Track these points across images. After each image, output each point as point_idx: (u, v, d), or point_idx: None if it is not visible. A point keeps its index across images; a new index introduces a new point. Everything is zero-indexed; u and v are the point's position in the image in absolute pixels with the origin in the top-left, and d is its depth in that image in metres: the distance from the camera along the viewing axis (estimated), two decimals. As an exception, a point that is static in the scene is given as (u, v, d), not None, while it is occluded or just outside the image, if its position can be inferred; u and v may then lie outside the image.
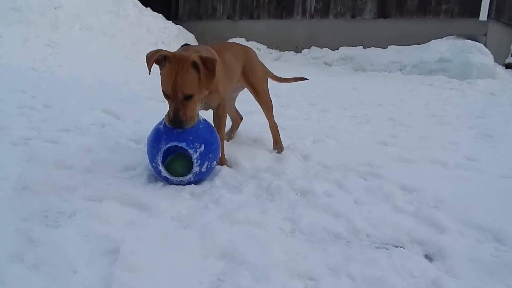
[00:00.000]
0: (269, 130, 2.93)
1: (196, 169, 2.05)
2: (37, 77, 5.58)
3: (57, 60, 7.33)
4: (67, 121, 3.27)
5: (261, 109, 2.90)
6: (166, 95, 2.01)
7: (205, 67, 1.95)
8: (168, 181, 2.11)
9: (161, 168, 2.08)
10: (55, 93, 4.50)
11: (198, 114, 2.05)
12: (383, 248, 1.61)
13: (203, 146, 2.02)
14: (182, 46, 2.26)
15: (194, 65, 1.94)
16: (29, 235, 1.48)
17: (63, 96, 4.36)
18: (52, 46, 7.84)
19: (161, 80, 2.02)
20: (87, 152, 2.50)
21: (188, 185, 2.09)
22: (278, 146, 2.88)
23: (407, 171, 2.48)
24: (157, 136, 2.05)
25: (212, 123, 2.34)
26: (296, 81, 3.18)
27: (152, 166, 2.13)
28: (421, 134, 3.48)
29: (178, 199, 1.91)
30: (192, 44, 2.36)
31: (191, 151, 2.01)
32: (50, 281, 1.24)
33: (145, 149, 2.53)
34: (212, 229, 1.59)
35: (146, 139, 2.16)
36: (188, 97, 1.96)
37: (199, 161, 2.03)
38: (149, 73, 2.13)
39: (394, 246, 1.62)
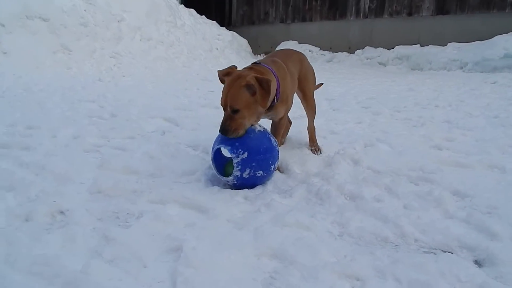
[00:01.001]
0: (307, 130, 3.12)
1: (236, 173, 2.19)
2: (103, 87, 6.04)
3: (121, 70, 7.86)
4: (132, 129, 3.55)
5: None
6: (222, 108, 2.22)
7: (261, 87, 2.10)
8: (223, 182, 2.32)
9: (212, 164, 2.32)
10: (120, 102, 4.88)
11: (244, 127, 2.20)
12: (431, 252, 1.63)
13: (246, 153, 2.17)
14: (252, 63, 2.41)
15: (248, 85, 2.10)
16: (105, 234, 1.69)
17: (127, 105, 4.71)
18: (116, 57, 8.42)
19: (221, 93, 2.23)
20: (150, 158, 2.74)
21: (241, 190, 2.23)
22: (314, 145, 3.06)
23: (461, 176, 2.43)
24: (216, 138, 2.30)
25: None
26: (317, 87, 3.27)
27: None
28: (480, 137, 3.35)
29: (233, 203, 2.05)
30: (263, 60, 2.52)
31: (233, 155, 2.18)
32: (125, 274, 1.43)
33: (202, 155, 2.77)
34: (264, 231, 1.71)
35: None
36: (235, 111, 2.14)
37: (239, 166, 2.18)
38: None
39: (442, 251, 1.64)
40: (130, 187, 2.24)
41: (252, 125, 2.27)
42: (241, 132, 2.19)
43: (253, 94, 2.12)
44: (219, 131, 2.18)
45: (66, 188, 2.19)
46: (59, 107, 4.44)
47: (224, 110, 2.20)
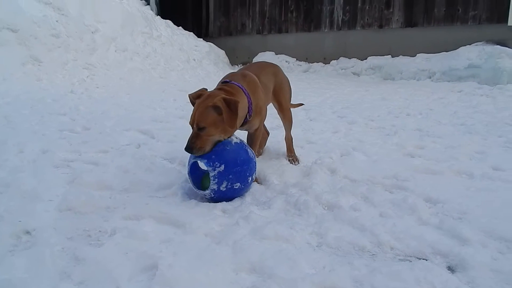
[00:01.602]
0: (284, 140, 3.14)
1: (213, 186, 2.17)
2: (75, 99, 5.89)
3: (94, 82, 7.71)
4: (106, 143, 3.46)
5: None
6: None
7: (229, 108, 2.11)
8: (200, 195, 2.29)
9: (189, 178, 2.29)
10: (93, 115, 4.76)
11: (211, 144, 2.19)
12: (407, 260, 1.65)
13: (223, 166, 2.15)
14: (222, 82, 2.42)
15: (215, 106, 2.12)
16: (75, 254, 1.62)
17: (101, 117, 4.60)
18: (89, 68, 8.27)
19: None
20: (125, 172, 2.66)
21: (220, 203, 2.20)
22: (292, 155, 3.08)
23: (432, 183, 2.49)
24: None
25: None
26: (297, 106, 3.30)
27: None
28: (448, 144, 3.44)
29: (211, 216, 2.02)
30: (234, 75, 2.51)
31: (209, 168, 2.16)
32: (97, 296, 1.37)
33: (179, 168, 2.72)
34: (243, 245, 1.69)
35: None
36: (202, 129, 2.14)
37: (216, 179, 2.15)
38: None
39: (417, 258, 1.66)
40: (103, 203, 2.17)
41: (228, 137, 2.26)
42: (207, 149, 2.18)
43: (220, 113, 2.12)
44: (184, 149, 2.17)
45: (33, 206, 2.09)
46: (27, 120, 4.30)
47: (192, 128, 2.21)
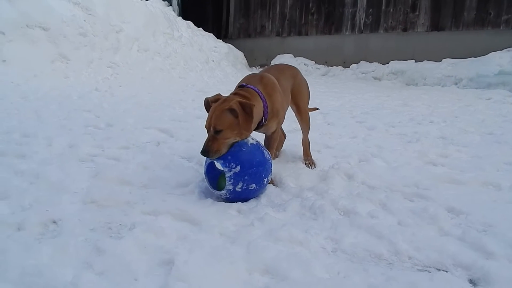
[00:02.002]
0: (301, 143, 3.14)
1: (229, 187, 2.19)
2: (99, 97, 6.04)
3: (117, 80, 7.89)
4: (127, 139, 3.54)
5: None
6: (207, 130, 2.24)
7: (244, 112, 2.13)
8: (216, 195, 2.31)
9: (206, 179, 2.31)
10: (115, 112, 4.88)
11: (227, 146, 2.21)
12: (426, 270, 1.61)
13: (239, 167, 2.17)
14: (239, 86, 2.44)
15: (231, 109, 2.14)
16: (96, 245, 1.68)
17: (123, 115, 4.71)
18: (113, 67, 8.46)
19: None
20: (144, 169, 2.73)
21: (235, 203, 2.22)
22: (308, 159, 3.07)
23: (456, 193, 2.43)
24: None
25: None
26: (312, 110, 3.30)
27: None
28: (475, 154, 3.35)
29: (226, 216, 2.04)
30: (251, 77, 2.53)
31: (225, 169, 2.18)
32: (115, 287, 1.41)
33: (196, 167, 2.76)
34: (257, 245, 1.69)
35: None
36: (218, 132, 2.15)
37: (232, 180, 2.17)
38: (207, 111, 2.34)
39: (437, 269, 1.62)
40: (123, 198, 2.22)
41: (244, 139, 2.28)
42: (223, 151, 2.19)
43: (236, 116, 2.14)
44: (201, 153, 2.18)
45: (59, 198, 2.17)
46: (55, 115, 4.43)
47: (208, 132, 2.22)
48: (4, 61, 7.04)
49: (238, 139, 2.22)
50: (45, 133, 3.55)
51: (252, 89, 2.37)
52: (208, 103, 2.31)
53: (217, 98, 2.30)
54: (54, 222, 1.90)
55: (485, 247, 1.72)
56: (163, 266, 1.56)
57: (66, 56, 7.92)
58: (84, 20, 8.71)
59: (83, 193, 2.25)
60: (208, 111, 2.28)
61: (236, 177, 2.17)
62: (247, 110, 2.14)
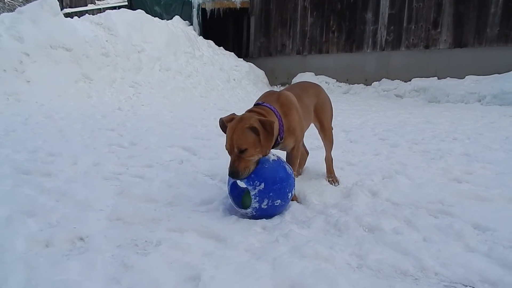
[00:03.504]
0: (324, 161, 3.14)
1: (255, 204, 2.20)
2: (122, 116, 6.20)
3: (140, 100, 8.07)
4: (151, 158, 3.61)
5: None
6: (228, 152, 2.23)
7: (265, 129, 2.15)
8: (240, 212, 2.32)
9: (230, 198, 2.33)
10: (138, 131, 4.99)
11: (254, 165, 2.21)
12: (452, 287, 1.60)
13: (263, 184, 2.18)
14: (255, 104, 2.47)
15: (252, 128, 2.15)
16: (123, 261, 1.71)
17: (146, 134, 4.81)
18: (135, 86, 8.66)
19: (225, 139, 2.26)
20: (168, 187, 2.77)
21: (259, 220, 2.23)
22: (332, 176, 3.07)
23: (481, 209, 2.40)
24: None
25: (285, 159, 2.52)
26: None
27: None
28: (500, 171, 3.30)
29: (251, 232, 2.05)
30: (268, 95, 2.57)
31: (250, 187, 2.19)
32: (143, 302, 1.44)
33: (220, 184, 2.80)
34: (283, 261, 1.70)
35: None
36: (243, 151, 2.15)
37: (257, 198, 2.19)
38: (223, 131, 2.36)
39: (463, 285, 1.61)
40: (148, 215, 2.26)
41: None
42: (252, 169, 2.20)
43: (258, 134, 2.16)
44: (229, 175, 2.18)
45: (86, 215, 2.22)
46: (79, 135, 4.56)
47: (230, 153, 2.21)
48: (28, 81, 7.30)
49: (261, 156, 2.24)
50: (69, 152, 3.66)
51: (268, 107, 2.39)
52: (223, 123, 2.32)
53: (231, 118, 2.30)
54: (81, 239, 1.94)
55: None
56: (189, 281, 1.58)
57: (89, 76, 8.16)
58: (107, 41, 8.99)
59: (109, 210, 2.31)
60: (223, 131, 2.31)
61: (261, 195, 2.19)
62: (267, 127, 2.16)
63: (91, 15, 9.84)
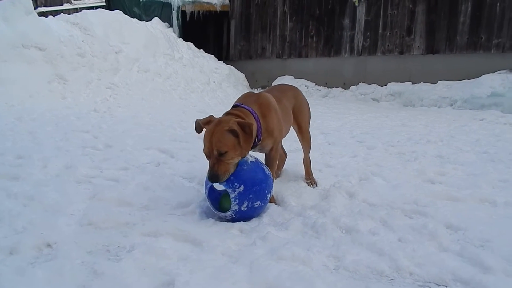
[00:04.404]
0: (302, 163, 3.15)
1: (235, 207, 2.18)
2: (98, 118, 6.05)
3: (117, 101, 7.90)
4: (126, 160, 3.53)
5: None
6: (206, 155, 2.20)
7: (243, 131, 2.14)
8: (218, 215, 2.28)
9: (208, 202, 2.29)
10: (114, 133, 4.87)
11: (234, 166, 2.19)
12: (426, 286, 1.62)
13: (242, 186, 2.16)
14: (233, 106, 2.45)
15: (231, 130, 2.13)
16: (94, 268, 1.65)
17: (122, 136, 4.71)
18: (112, 88, 8.48)
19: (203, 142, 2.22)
20: (144, 190, 2.71)
21: (237, 222, 2.20)
22: (310, 177, 3.08)
23: (453, 210, 2.45)
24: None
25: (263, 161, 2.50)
26: None
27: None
28: (471, 172, 3.39)
29: (228, 236, 2.02)
30: (247, 97, 2.56)
31: (229, 190, 2.17)
32: (114, 309, 1.38)
33: (197, 187, 2.76)
34: (260, 264, 1.68)
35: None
36: (223, 154, 2.13)
37: (237, 200, 2.17)
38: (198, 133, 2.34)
39: (437, 284, 1.63)
40: (122, 219, 2.20)
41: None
42: (232, 171, 2.18)
43: (237, 136, 2.14)
44: (209, 179, 2.15)
45: (55, 220, 2.13)
46: (51, 137, 4.42)
47: (208, 157, 2.18)
48: (-2, 81, 7.02)
49: (240, 158, 2.22)
50: (40, 154, 3.52)
51: (246, 109, 2.38)
52: (199, 126, 2.29)
53: (209, 120, 2.27)
54: (49, 245, 1.86)
55: (483, 262, 1.75)
56: (163, 287, 1.53)
57: (64, 77, 7.92)
58: (83, 41, 8.77)
59: (80, 215, 2.23)
60: (198, 133, 2.27)
61: (241, 197, 2.17)
62: (246, 129, 2.15)
63: (66, 15, 9.60)
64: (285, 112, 2.70)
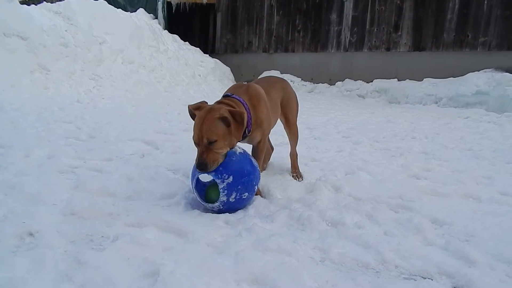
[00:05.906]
0: (289, 156, 3.14)
1: (223, 198, 2.16)
2: (81, 109, 5.95)
3: (100, 93, 7.77)
4: (110, 151, 3.48)
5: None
6: (195, 143, 2.16)
7: (235, 120, 2.11)
8: (204, 206, 2.25)
9: (195, 193, 2.25)
10: (98, 124, 4.79)
11: (222, 157, 2.17)
12: (412, 279, 1.63)
13: (231, 177, 2.14)
14: (224, 95, 2.42)
15: (222, 118, 2.09)
16: (77, 257, 1.61)
17: (106, 127, 4.63)
18: (96, 79, 8.33)
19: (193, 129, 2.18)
20: (128, 180, 2.67)
21: (222, 214, 2.18)
22: (296, 171, 3.07)
23: (439, 204, 2.48)
24: (195, 166, 2.20)
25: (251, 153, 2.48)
26: None
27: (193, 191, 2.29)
28: (455, 168, 3.43)
29: (214, 227, 2.00)
30: (237, 87, 2.52)
31: (218, 181, 2.15)
32: (97, 299, 1.35)
33: (182, 179, 2.72)
34: (245, 256, 1.66)
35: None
36: (212, 143, 2.10)
37: (226, 191, 2.15)
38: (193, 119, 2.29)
39: (422, 277, 1.64)
40: (106, 209, 2.16)
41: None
42: (221, 161, 2.16)
43: (228, 125, 2.11)
44: (197, 167, 2.11)
45: (37, 209, 2.09)
46: (33, 127, 4.32)
47: (197, 145, 2.14)
48: (-21, 71, 6.84)
49: (228, 149, 2.20)
50: (22, 144, 3.45)
51: (237, 99, 2.35)
52: (192, 112, 2.26)
53: (199, 106, 2.24)
54: (31, 234, 1.82)
55: (468, 256, 1.77)
56: (147, 278, 1.51)
57: (46, 67, 7.74)
58: (66, 30, 8.58)
59: (63, 204, 2.17)
60: (193, 119, 2.24)
61: (230, 188, 2.15)
62: (237, 118, 2.13)
63: (49, 3, 9.37)
64: (273, 104, 2.68)
